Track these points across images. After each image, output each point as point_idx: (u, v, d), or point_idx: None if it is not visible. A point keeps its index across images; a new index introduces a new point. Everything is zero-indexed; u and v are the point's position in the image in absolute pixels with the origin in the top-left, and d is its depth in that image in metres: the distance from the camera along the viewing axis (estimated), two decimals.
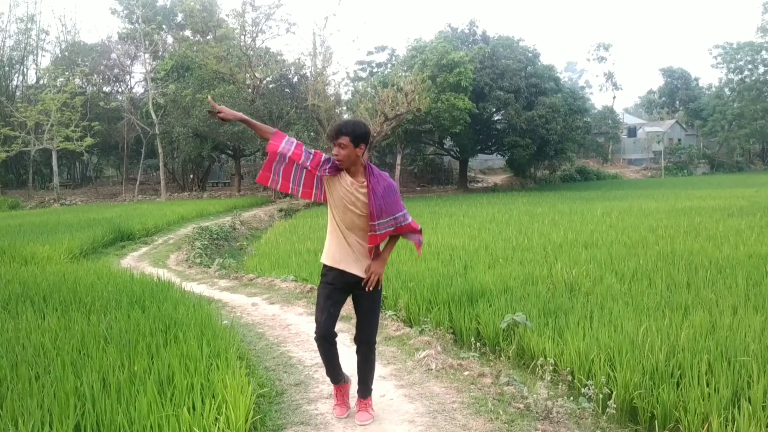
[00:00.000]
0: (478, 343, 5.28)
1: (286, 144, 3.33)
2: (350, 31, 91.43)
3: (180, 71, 33.82)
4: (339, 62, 74.63)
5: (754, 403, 3.45)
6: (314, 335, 3.47)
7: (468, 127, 33.04)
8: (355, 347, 3.59)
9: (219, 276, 9.76)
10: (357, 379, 3.61)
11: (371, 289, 3.38)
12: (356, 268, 3.41)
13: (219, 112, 3.26)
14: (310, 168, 3.34)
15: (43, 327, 4.69)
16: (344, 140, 3.25)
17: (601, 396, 3.90)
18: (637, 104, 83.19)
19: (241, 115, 3.31)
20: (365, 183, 3.33)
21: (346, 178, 3.36)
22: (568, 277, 7.01)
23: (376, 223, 3.31)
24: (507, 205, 21.35)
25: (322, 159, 3.36)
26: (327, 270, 3.48)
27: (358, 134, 3.27)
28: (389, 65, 39.94)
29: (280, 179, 3.41)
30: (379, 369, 4.52)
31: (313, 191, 3.44)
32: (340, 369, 3.60)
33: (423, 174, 45.04)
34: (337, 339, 3.49)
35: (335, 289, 3.45)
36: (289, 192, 3.47)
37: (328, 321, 3.42)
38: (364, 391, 3.60)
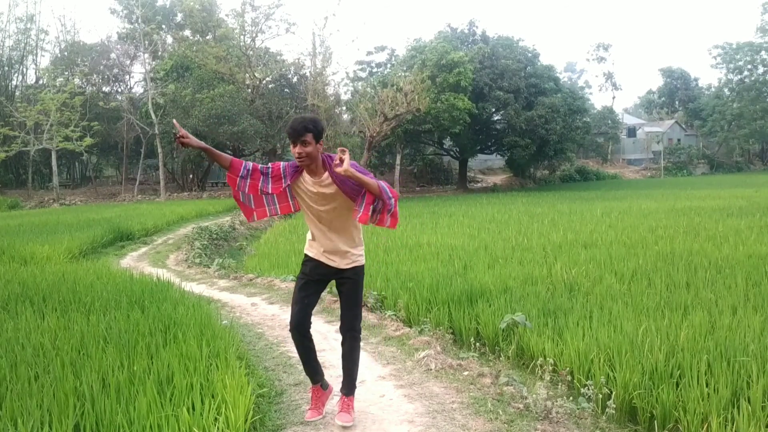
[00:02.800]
0: (477, 344, 5.28)
1: (243, 178, 3.29)
2: (350, 31, 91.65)
3: (179, 71, 33.81)
4: (338, 62, 74.77)
5: (753, 404, 3.45)
6: (288, 327, 3.51)
7: (468, 127, 33.07)
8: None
9: (218, 276, 9.76)
10: (342, 374, 3.57)
11: (342, 161, 3.10)
12: (333, 260, 3.43)
13: (183, 137, 3.12)
14: (272, 191, 3.34)
15: (43, 327, 4.69)
16: (309, 137, 3.19)
17: (600, 396, 3.89)
18: (637, 104, 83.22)
19: (203, 144, 3.23)
20: (328, 177, 3.28)
21: (307, 178, 3.34)
22: (567, 277, 7.01)
23: (357, 204, 3.28)
24: (506, 205, 21.35)
25: (281, 170, 3.33)
26: (306, 260, 3.54)
27: (320, 129, 3.25)
28: (389, 65, 39.96)
29: (255, 210, 3.47)
30: (379, 369, 4.53)
31: (290, 203, 3.48)
32: (318, 366, 3.59)
33: (423, 174, 45.03)
34: (311, 330, 3.50)
35: (310, 281, 3.49)
36: (269, 216, 3.51)
37: (300, 312, 3.44)
38: (348, 387, 3.55)
